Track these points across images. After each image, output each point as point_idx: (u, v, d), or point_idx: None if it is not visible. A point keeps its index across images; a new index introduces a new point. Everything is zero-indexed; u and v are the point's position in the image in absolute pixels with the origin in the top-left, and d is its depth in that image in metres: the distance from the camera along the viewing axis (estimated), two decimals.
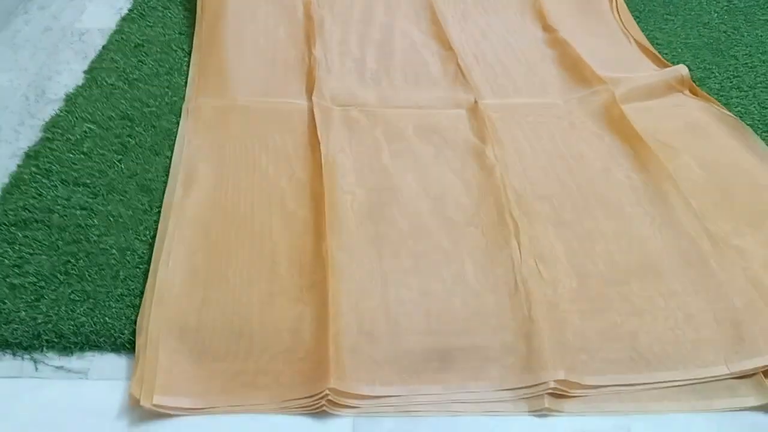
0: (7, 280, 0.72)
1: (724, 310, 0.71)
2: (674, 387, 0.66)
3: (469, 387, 0.64)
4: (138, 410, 0.61)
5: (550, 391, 0.63)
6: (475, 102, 1.00)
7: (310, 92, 1.02)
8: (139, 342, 0.66)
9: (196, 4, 1.24)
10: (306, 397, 0.62)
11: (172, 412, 0.61)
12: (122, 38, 1.13)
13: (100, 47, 1.12)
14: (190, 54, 1.11)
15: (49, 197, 0.81)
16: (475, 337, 0.68)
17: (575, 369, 0.65)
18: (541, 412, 0.63)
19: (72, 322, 0.68)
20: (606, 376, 0.66)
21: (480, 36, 1.20)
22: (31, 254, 0.74)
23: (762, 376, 0.66)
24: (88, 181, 0.84)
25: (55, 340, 0.67)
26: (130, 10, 1.22)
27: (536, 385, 0.63)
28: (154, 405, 0.60)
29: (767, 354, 0.66)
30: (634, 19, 1.29)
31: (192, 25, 1.18)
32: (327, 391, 0.61)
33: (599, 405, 0.65)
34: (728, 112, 1.00)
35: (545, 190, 0.86)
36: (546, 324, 0.69)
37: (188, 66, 1.08)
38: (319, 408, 0.61)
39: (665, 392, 0.66)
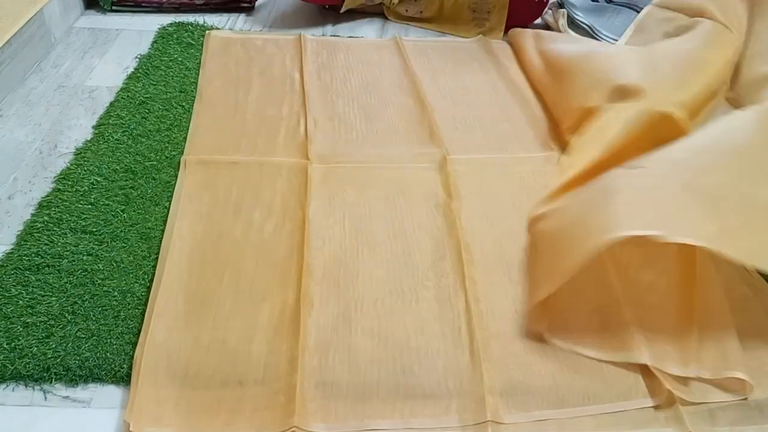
0: (21, 319, 0.81)
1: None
2: (605, 417, 0.75)
3: (414, 423, 0.73)
4: None
5: (489, 420, 0.73)
6: (445, 157, 1.11)
7: (300, 151, 1.13)
8: (134, 375, 0.75)
9: (197, 64, 1.37)
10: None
11: None
12: (128, 96, 1.25)
13: (107, 104, 1.23)
14: (189, 111, 1.22)
15: (59, 244, 0.91)
16: (424, 377, 0.77)
17: (511, 406, 0.75)
18: None
19: (78, 357, 0.77)
20: (539, 411, 0.75)
21: (453, 96, 1.32)
22: (42, 296, 0.84)
23: (680, 407, 0.75)
24: (94, 230, 0.94)
25: (63, 373, 0.76)
26: (136, 69, 1.34)
27: (478, 424, 0.73)
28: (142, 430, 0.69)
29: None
30: None
31: (192, 83, 1.30)
32: (294, 428, 0.70)
33: None
34: None
35: (499, 242, 0.96)
36: (487, 366, 0.78)
37: (187, 122, 1.19)
38: None
39: (598, 423, 0.75)
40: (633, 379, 0.78)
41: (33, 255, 0.89)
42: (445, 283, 0.89)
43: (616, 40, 1.60)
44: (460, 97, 1.32)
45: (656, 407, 0.76)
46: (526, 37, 1.54)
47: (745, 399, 0.77)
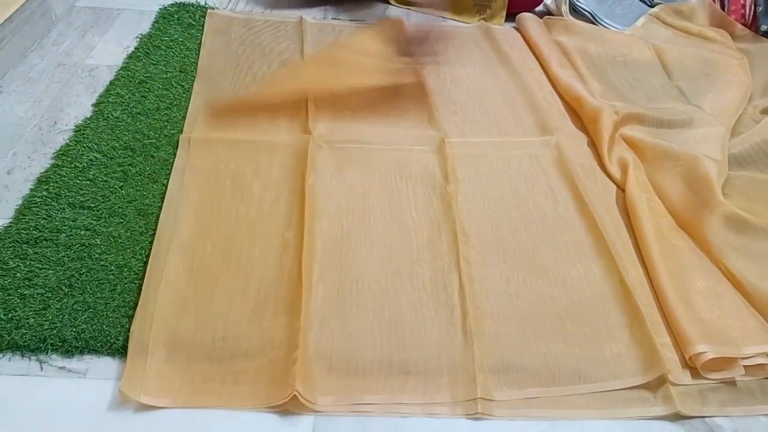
0: (19, 291, 0.82)
1: (640, 336, 0.82)
2: (596, 396, 0.76)
3: (406, 398, 0.74)
4: (127, 405, 0.71)
5: (479, 398, 0.74)
6: (443, 140, 1.12)
7: (300, 130, 1.13)
8: (130, 346, 0.75)
9: (197, 45, 1.37)
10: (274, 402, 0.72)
11: (156, 404, 0.71)
12: (128, 75, 1.25)
13: (107, 82, 1.23)
14: (189, 90, 1.22)
15: (57, 219, 0.92)
16: (417, 354, 0.78)
17: (502, 384, 0.76)
18: (475, 416, 0.73)
19: (74, 329, 0.78)
20: (530, 389, 0.76)
21: (453, 80, 1.32)
22: (40, 269, 0.84)
23: (670, 387, 0.76)
24: (92, 205, 0.95)
25: (59, 344, 0.77)
26: (136, 49, 1.33)
27: (468, 400, 0.74)
28: (140, 401, 0.70)
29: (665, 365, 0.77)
30: None
31: (192, 63, 1.30)
32: (294, 393, 0.71)
33: (527, 411, 0.74)
34: None
35: (495, 224, 0.97)
36: (479, 345, 0.79)
37: (187, 101, 1.19)
38: (284, 407, 0.72)
39: (589, 401, 0.76)
40: (624, 358, 0.79)
41: (31, 229, 0.90)
42: (440, 264, 0.90)
43: (618, 29, 1.60)
44: (459, 82, 1.32)
45: (646, 387, 0.76)
46: (536, 23, 1.54)
47: (734, 381, 0.78)
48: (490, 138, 1.16)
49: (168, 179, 1.00)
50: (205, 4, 1.55)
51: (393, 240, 0.93)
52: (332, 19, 1.58)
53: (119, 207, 0.95)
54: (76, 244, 0.88)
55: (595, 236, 0.95)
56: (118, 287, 0.83)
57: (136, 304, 0.81)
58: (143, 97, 1.19)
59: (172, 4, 1.52)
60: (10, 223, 0.91)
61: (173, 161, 1.04)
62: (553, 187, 1.05)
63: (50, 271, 0.84)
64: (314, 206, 0.96)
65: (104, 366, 0.76)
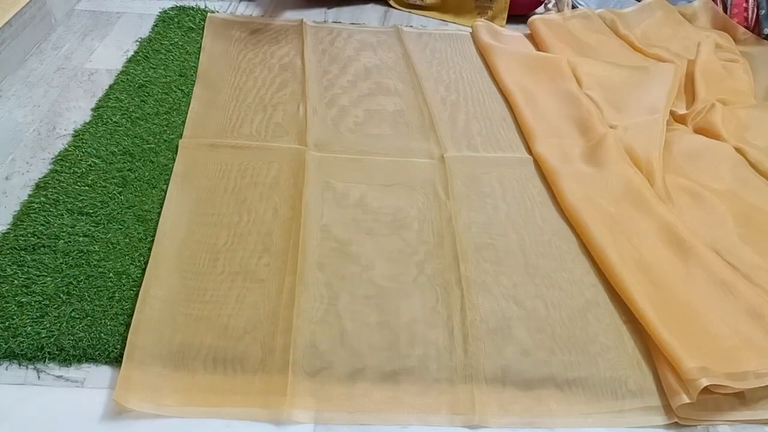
0: (16, 298, 0.81)
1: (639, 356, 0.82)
2: (597, 405, 0.76)
3: (404, 406, 0.74)
4: (125, 415, 0.70)
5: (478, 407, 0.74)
6: (441, 153, 1.11)
7: (298, 137, 1.12)
8: (126, 355, 0.75)
9: (197, 49, 1.37)
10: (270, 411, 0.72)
11: (153, 411, 0.71)
12: (127, 79, 1.24)
13: (106, 87, 1.22)
14: (188, 95, 1.22)
15: (56, 225, 0.91)
16: (414, 362, 0.78)
17: (501, 394, 0.76)
18: (474, 426, 0.73)
19: (72, 337, 0.77)
20: (528, 399, 0.76)
21: (452, 89, 1.32)
22: (38, 276, 0.84)
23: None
24: (91, 211, 0.94)
25: (57, 352, 0.76)
26: (136, 53, 1.33)
27: (467, 410, 0.74)
28: (133, 410, 0.70)
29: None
30: None
31: (192, 67, 1.30)
32: (285, 408, 0.71)
33: (527, 420, 0.74)
34: None
35: (492, 236, 0.96)
36: (477, 355, 0.79)
37: (186, 106, 1.18)
38: (281, 415, 0.71)
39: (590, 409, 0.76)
40: (627, 382, 0.79)
41: (29, 235, 0.89)
42: (438, 274, 0.89)
43: None
44: (458, 91, 1.32)
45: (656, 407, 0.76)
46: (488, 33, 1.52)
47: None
48: (487, 153, 1.14)
49: (167, 185, 1.00)
50: (205, 7, 1.55)
51: (391, 249, 0.93)
52: (333, 22, 1.57)
53: (118, 213, 0.94)
54: (74, 251, 0.88)
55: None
56: (117, 295, 0.83)
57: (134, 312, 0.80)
58: (143, 101, 1.18)
59: (172, 8, 1.52)
60: (8, 229, 0.90)
61: (173, 166, 1.04)
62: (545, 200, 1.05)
63: (48, 279, 0.84)
64: (310, 213, 0.96)
65: (102, 375, 0.75)
